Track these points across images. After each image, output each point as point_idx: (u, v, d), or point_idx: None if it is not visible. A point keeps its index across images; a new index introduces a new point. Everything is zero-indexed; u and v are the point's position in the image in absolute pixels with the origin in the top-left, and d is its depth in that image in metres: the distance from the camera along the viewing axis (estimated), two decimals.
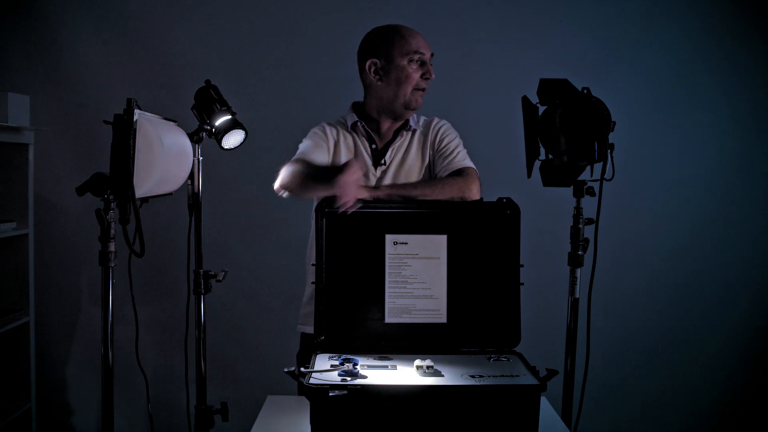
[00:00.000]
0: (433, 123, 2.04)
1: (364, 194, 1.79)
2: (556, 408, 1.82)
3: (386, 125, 2.01)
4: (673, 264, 3.02)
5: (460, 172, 1.91)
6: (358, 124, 1.99)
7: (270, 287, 2.95)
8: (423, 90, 1.96)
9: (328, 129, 2.00)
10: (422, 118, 2.06)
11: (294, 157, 1.92)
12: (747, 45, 2.95)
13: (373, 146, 1.99)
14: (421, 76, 1.93)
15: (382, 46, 1.94)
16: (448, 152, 1.97)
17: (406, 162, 1.97)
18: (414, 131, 2.01)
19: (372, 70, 1.96)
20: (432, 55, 1.96)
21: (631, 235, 2.98)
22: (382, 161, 1.97)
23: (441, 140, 2.00)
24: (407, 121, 2.01)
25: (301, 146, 1.97)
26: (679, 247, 3.01)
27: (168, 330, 2.83)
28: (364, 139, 2.00)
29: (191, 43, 2.90)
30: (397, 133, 2.00)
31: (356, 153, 1.99)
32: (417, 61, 1.93)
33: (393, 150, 1.98)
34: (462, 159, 1.96)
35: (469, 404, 1.40)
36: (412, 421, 1.39)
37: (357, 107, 2.04)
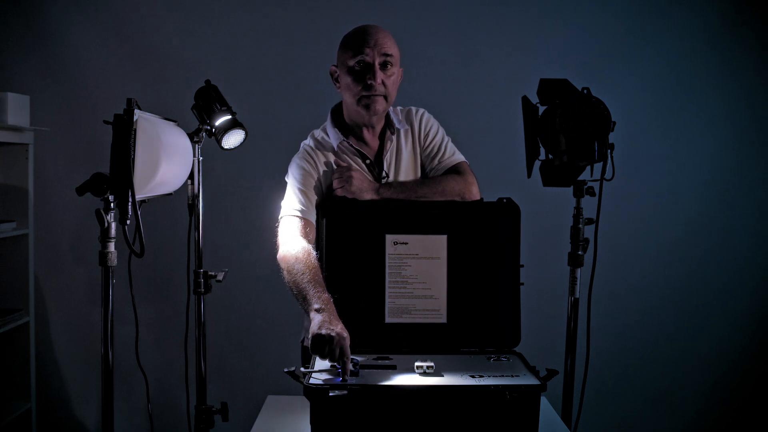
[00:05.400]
0: (413, 114, 1.96)
1: (371, 195, 1.79)
2: (556, 408, 1.82)
3: (368, 133, 1.92)
4: (673, 263, 3.02)
5: (457, 170, 1.90)
6: (344, 143, 1.90)
7: (270, 287, 2.94)
8: (374, 96, 1.81)
9: (313, 155, 1.89)
10: (399, 110, 1.97)
11: (284, 211, 1.83)
12: (743, 45, 2.96)
13: (367, 161, 1.90)
14: (365, 84, 1.80)
15: (337, 52, 1.88)
16: (436, 148, 1.93)
17: (401, 166, 1.92)
18: (399, 130, 1.93)
19: (334, 77, 1.90)
20: (388, 55, 1.81)
21: (631, 235, 2.98)
22: (384, 174, 1.89)
23: (426, 135, 1.94)
24: (390, 123, 1.92)
25: (289, 185, 1.87)
26: (679, 246, 3.01)
27: (168, 330, 2.83)
28: (355, 156, 1.90)
29: (191, 43, 2.90)
30: (383, 138, 1.93)
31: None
32: (359, 66, 1.80)
33: (387, 160, 1.91)
34: (451, 154, 1.93)
35: (469, 404, 1.40)
36: (412, 421, 1.39)
37: (335, 115, 1.95)
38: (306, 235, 1.77)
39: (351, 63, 1.81)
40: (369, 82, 1.79)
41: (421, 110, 1.98)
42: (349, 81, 1.82)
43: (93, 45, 2.90)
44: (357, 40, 1.81)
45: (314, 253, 1.71)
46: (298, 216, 1.80)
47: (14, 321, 2.68)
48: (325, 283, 1.66)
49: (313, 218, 1.81)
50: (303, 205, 1.81)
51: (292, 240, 1.75)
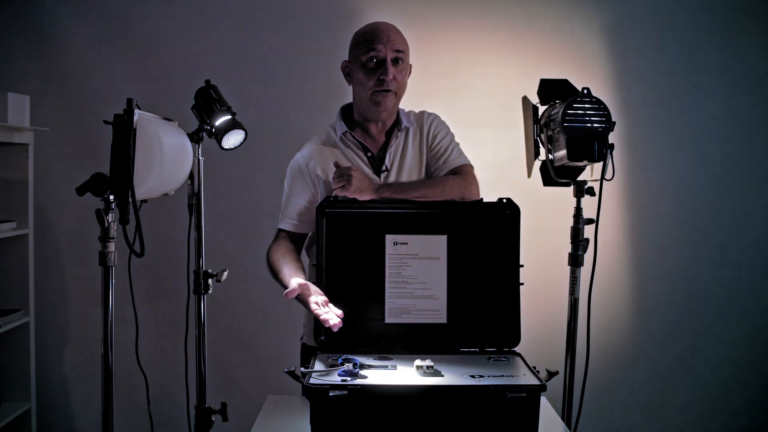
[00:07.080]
0: (425, 117, 1.99)
1: (371, 195, 1.79)
2: (556, 408, 1.82)
3: (375, 128, 1.95)
4: (674, 263, 3.01)
5: (458, 171, 1.91)
6: (348, 134, 1.93)
7: (270, 287, 2.93)
8: (385, 92, 1.85)
9: (308, 158, 1.93)
10: (412, 112, 2.00)
11: (279, 224, 1.96)
12: (747, 44, 2.95)
13: (369, 154, 1.93)
14: (378, 80, 1.84)
15: (349, 48, 1.92)
16: (443, 150, 1.94)
17: (405, 163, 1.93)
18: (407, 129, 1.95)
19: (346, 72, 1.94)
20: (400, 51, 1.86)
21: (631, 235, 2.98)
22: (384, 167, 1.92)
23: (434, 137, 1.96)
24: (398, 121, 1.95)
25: (284, 195, 1.97)
26: (680, 246, 3.01)
27: (168, 330, 2.83)
28: (357, 149, 1.93)
29: (191, 43, 2.90)
30: (390, 135, 1.95)
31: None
32: (372, 61, 1.84)
33: (390, 154, 1.93)
34: (457, 156, 1.94)
35: (469, 404, 1.40)
36: (412, 421, 1.39)
37: (345, 111, 1.99)
38: (291, 243, 1.92)
39: (364, 59, 1.85)
40: (381, 77, 1.84)
41: (434, 114, 2.02)
42: (362, 76, 1.86)
43: (93, 45, 2.89)
44: (370, 37, 1.86)
45: (295, 253, 1.88)
46: (285, 230, 1.94)
47: (14, 321, 2.68)
48: (325, 283, 1.69)
49: (299, 228, 1.93)
50: (290, 216, 1.93)
51: (277, 247, 1.90)
